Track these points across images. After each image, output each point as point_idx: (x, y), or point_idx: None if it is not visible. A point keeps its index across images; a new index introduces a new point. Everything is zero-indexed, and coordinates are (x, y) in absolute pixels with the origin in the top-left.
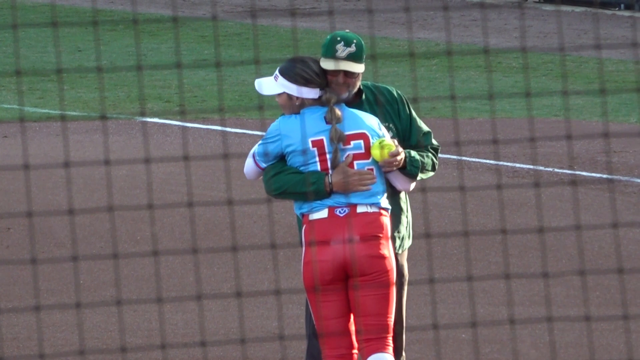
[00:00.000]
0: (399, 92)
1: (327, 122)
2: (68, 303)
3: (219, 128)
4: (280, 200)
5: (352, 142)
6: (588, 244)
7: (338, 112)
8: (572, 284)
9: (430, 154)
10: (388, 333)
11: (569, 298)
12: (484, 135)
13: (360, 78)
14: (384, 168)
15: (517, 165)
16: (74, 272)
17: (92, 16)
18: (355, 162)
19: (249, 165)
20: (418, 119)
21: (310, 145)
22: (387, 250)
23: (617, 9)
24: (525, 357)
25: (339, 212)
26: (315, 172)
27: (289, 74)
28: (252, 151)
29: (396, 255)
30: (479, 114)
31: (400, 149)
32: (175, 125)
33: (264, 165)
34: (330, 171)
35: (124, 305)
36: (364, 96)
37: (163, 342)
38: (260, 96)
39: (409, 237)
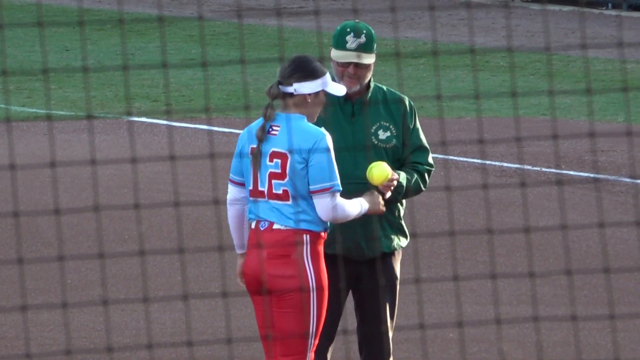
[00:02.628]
0: (412, 102)
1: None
2: (55, 302)
3: (206, 127)
4: None
5: (274, 160)
6: (575, 244)
7: (260, 132)
8: (559, 284)
9: (417, 176)
10: (291, 355)
11: (556, 297)
12: (471, 134)
13: (372, 70)
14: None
15: (504, 164)
16: (61, 272)
17: (79, 15)
18: (272, 181)
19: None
20: (421, 134)
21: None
22: (295, 269)
23: (604, 8)
24: (512, 356)
25: (261, 225)
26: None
27: None
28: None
29: (386, 256)
30: (466, 113)
31: (396, 175)
32: (163, 124)
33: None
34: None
35: (111, 304)
36: (370, 93)
37: (150, 341)
38: (247, 95)
39: (399, 238)
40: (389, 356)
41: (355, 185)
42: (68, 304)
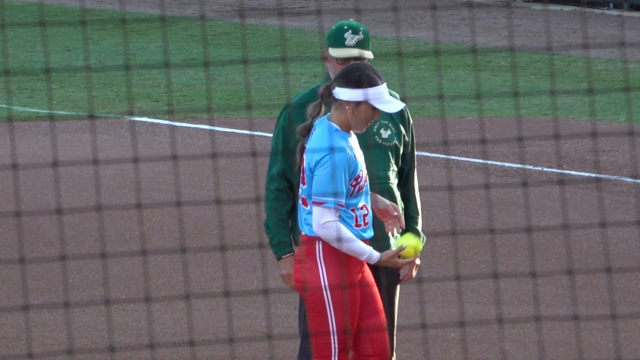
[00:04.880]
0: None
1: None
2: (57, 302)
3: (207, 127)
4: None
5: (303, 164)
6: (576, 243)
7: (302, 130)
8: (560, 283)
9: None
10: (317, 358)
11: (557, 297)
12: (473, 134)
13: None
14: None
15: (506, 164)
16: (63, 272)
17: (80, 15)
18: (300, 185)
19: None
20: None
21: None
22: (310, 276)
23: (605, 8)
24: (514, 356)
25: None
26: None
27: None
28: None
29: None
30: (468, 113)
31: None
32: (164, 124)
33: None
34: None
35: (113, 304)
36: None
37: (152, 341)
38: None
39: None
40: (392, 355)
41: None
42: (70, 303)
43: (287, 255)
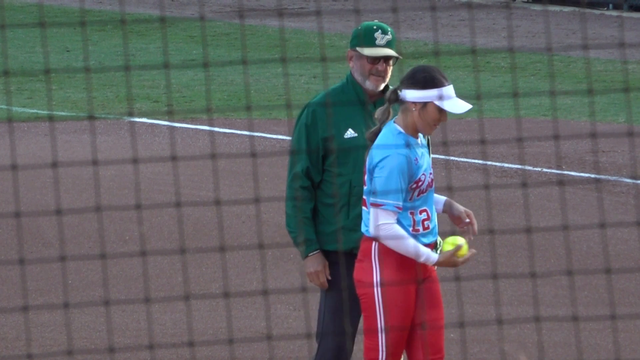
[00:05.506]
0: None
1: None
2: (56, 303)
3: (207, 128)
4: (269, 201)
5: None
6: (576, 244)
7: (370, 134)
8: (560, 284)
9: None
10: (366, 354)
11: (557, 298)
12: (472, 135)
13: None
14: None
15: (505, 165)
16: (62, 272)
17: (80, 16)
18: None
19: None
20: None
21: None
22: (363, 275)
23: (605, 8)
24: (513, 357)
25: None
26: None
27: None
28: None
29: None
30: (467, 114)
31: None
32: (164, 125)
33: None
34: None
35: (112, 305)
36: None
37: (151, 342)
38: (249, 96)
39: None
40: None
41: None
42: (69, 304)
43: (314, 252)
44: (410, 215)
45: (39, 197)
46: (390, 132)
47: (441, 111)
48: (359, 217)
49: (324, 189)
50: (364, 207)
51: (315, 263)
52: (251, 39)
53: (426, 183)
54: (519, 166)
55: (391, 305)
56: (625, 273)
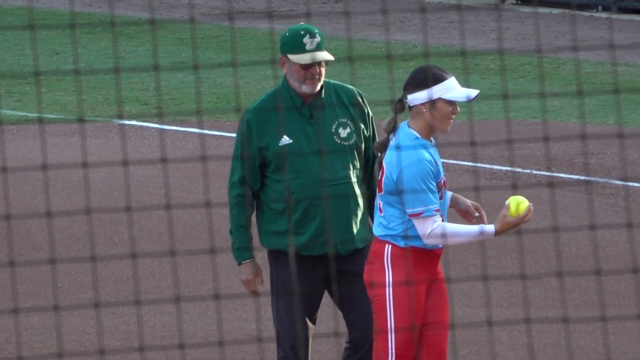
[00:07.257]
0: (360, 91)
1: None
2: (46, 306)
3: (196, 130)
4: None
5: (381, 172)
6: (566, 246)
7: (378, 145)
8: (550, 286)
9: None
10: (375, 354)
11: (547, 300)
12: (462, 137)
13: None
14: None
15: (495, 167)
16: (52, 275)
17: (69, 19)
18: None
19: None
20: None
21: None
22: (374, 277)
23: (594, 10)
24: (504, 359)
25: None
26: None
27: None
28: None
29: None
30: (457, 116)
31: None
32: (153, 127)
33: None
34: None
35: (102, 307)
36: (324, 93)
37: (141, 344)
38: (238, 98)
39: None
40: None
41: (334, 187)
42: (59, 307)
43: (247, 261)
44: None
45: (29, 200)
46: (409, 138)
47: (451, 103)
48: (300, 220)
49: (267, 194)
50: (378, 212)
51: (247, 271)
52: (241, 41)
53: (442, 186)
54: (509, 168)
55: (402, 308)
56: (615, 275)
